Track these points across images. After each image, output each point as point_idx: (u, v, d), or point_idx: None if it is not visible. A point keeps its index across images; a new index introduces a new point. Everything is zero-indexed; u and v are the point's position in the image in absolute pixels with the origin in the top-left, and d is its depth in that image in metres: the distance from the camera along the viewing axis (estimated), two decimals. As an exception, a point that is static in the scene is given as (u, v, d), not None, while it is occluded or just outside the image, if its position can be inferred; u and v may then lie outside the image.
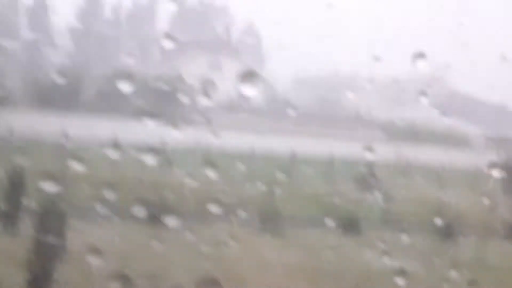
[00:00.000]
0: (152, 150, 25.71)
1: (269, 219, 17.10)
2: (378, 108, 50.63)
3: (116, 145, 26.43)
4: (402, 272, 14.17)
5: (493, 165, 14.94)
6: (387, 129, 40.73)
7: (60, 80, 33.10)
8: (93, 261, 12.77)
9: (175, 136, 28.03)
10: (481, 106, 54.17)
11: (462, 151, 36.68)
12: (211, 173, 20.28)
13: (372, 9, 68.75)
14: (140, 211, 16.74)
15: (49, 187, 14.69)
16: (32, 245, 11.52)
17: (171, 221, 16.65)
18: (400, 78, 53.06)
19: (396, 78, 53.93)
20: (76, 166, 19.86)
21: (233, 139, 29.90)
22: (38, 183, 15.55)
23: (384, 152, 30.42)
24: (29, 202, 14.37)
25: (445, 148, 34.72)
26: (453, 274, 13.43)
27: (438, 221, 17.28)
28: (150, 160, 23.84)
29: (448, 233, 18.57)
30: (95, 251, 13.13)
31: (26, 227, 13.15)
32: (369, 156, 16.54)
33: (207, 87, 37.83)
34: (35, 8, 62.39)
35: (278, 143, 30.30)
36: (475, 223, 19.54)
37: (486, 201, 18.69)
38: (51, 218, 12.28)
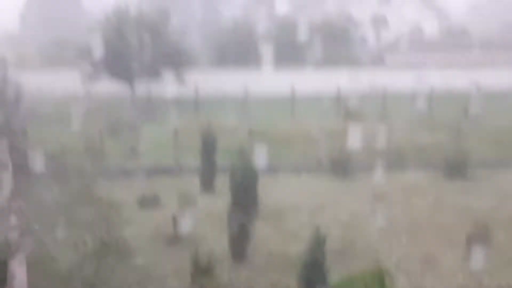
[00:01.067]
0: (329, 98, 25.76)
1: (456, 164, 16.46)
2: None
3: (292, 97, 26.99)
4: None
5: None
6: None
7: (232, 35, 34.28)
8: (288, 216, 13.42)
9: (351, 80, 27.70)
10: None
11: None
12: (386, 121, 20.06)
13: None
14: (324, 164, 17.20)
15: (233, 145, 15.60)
16: (230, 202, 12.30)
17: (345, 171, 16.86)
18: None
19: None
20: (257, 121, 20.77)
21: (409, 78, 28.96)
22: (226, 141, 16.60)
23: None
24: (221, 160, 15.13)
25: None
26: None
27: None
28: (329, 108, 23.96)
29: None
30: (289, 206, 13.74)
31: (221, 185, 13.94)
32: None
33: (378, 26, 36.58)
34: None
35: (459, 77, 28.73)
36: None
37: None
38: (243, 175, 12.88)
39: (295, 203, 14.13)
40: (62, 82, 26.79)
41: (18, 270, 9.21)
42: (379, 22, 45.08)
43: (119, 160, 17.21)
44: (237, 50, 31.80)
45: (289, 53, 29.69)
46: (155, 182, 15.20)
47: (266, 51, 28.91)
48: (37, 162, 16.04)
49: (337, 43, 34.63)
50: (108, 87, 26.95)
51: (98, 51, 27.94)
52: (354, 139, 17.07)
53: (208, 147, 15.31)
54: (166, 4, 32.59)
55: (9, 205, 12.04)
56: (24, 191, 13.61)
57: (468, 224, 12.34)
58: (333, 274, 9.51)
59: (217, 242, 11.40)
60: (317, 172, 16.69)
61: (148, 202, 13.92)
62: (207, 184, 15.11)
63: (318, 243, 9.76)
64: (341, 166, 16.75)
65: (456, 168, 16.44)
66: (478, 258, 10.74)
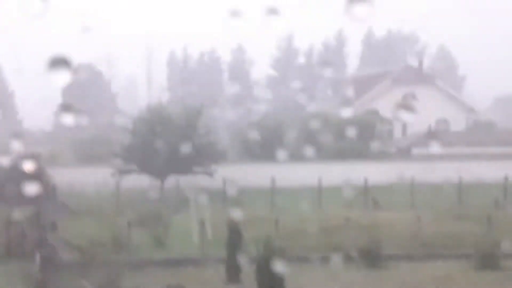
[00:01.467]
0: (356, 189, 25.63)
1: (487, 254, 15.92)
2: None
3: (319, 188, 26.97)
4: None
5: None
6: None
7: (262, 130, 34.85)
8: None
9: (377, 172, 27.71)
10: None
11: None
12: (415, 211, 19.78)
13: None
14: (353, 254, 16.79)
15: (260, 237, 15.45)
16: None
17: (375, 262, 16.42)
18: None
19: None
20: (283, 212, 20.65)
21: (435, 170, 28.75)
22: (252, 232, 16.42)
23: None
24: (248, 250, 14.88)
25: None
26: None
27: None
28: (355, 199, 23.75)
29: None
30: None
31: (247, 275, 13.67)
32: None
33: (404, 120, 36.61)
34: (235, 63, 66.67)
35: (485, 169, 28.42)
36: None
37: None
38: (269, 266, 12.66)
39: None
40: (93, 177, 27.20)
41: None
42: (404, 117, 45.41)
43: (146, 251, 17.12)
44: (264, 144, 32.18)
45: (316, 146, 29.86)
46: (181, 273, 14.98)
47: (291, 145, 29.39)
48: (66, 255, 16.08)
49: (364, 137, 34.87)
50: (137, 180, 27.30)
51: (129, 147, 28.66)
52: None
53: (235, 238, 15.13)
54: (196, 101, 33.55)
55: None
56: (52, 284, 13.54)
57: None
58: None
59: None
60: (346, 263, 16.25)
61: (174, 293, 13.66)
62: (233, 275, 14.80)
63: None
64: (371, 257, 16.34)
65: (487, 258, 15.89)
66: None
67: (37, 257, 14.80)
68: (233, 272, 14.84)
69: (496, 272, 15.41)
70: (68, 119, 3.25)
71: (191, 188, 26.24)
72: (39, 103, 50.28)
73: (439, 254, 16.74)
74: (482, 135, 40.16)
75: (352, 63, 70.78)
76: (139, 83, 68.55)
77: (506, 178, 25.66)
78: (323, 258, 16.76)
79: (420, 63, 56.11)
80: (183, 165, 27.84)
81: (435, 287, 14.44)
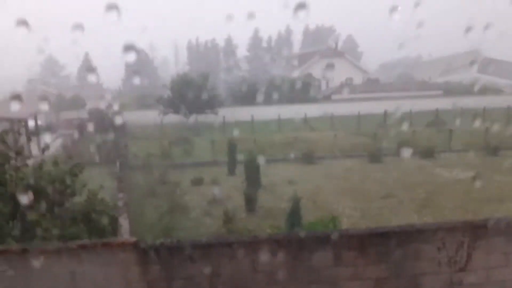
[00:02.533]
0: (300, 120, 25.36)
1: (375, 154, 16.27)
2: (437, 76, 45.37)
3: (279, 120, 26.96)
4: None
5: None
6: (445, 89, 36.33)
7: (243, 87, 34.26)
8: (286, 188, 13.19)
9: (312, 110, 27.48)
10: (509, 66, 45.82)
11: (497, 98, 31.58)
12: (333, 131, 19.91)
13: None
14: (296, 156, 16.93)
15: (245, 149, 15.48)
16: (245, 180, 12.14)
17: (310, 160, 16.58)
18: (451, 54, 47.13)
19: (448, 55, 47.93)
20: (258, 135, 20.58)
21: (345, 108, 28.78)
22: (241, 147, 16.42)
23: (444, 104, 27.36)
24: (240, 156, 14.90)
25: (485, 97, 30.24)
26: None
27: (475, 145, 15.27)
28: (300, 126, 23.36)
29: (493, 151, 16.48)
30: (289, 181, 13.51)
31: (239, 170, 13.81)
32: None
33: (327, 79, 36.14)
34: (226, 47, 64.90)
35: (373, 106, 28.52)
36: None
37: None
38: (251, 164, 12.74)
39: (281, 179, 13.91)
40: (147, 117, 26.75)
41: (124, 223, 9.05)
42: (327, 77, 45.03)
43: (180, 159, 17.12)
44: (244, 95, 31.68)
45: (276, 95, 29.54)
46: (201, 171, 15.07)
47: (261, 95, 29.05)
48: (133, 161, 15.99)
49: (303, 90, 34.50)
50: (173, 118, 26.94)
51: (168, 98, 28.02)
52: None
53: (231, 150, 15.18)
54: (205, 70, 32.66)
55: (118, 186, 11.96)
56: (126, 178, 13.55)
57: (382, 188, 12.15)
58: (305, 219, 9.30)
59: (238, 202, 11.24)
60: (294, 162, 16.51)
61: (197, 182, 13.78)
62: (231, 171, 14.95)
63: (296, 201, 9.61)
64: (308, 158, 16.59)
65: (375, 156, 16.24)
66: (388, 206, 10.56)
67: (118, 163, 14.73)
68: (231, 169, 15.00)
69: (379, 164, 15.80)
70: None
71: (205, 122, 26.09)
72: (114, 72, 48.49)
73: (348, 155, 17.02)
74: (372, 86, 40.04)
75: (296, 46, 69.06)
76: (170, 61, 66.37)
77: (385, 111, 25.80)
78: (281, 159, 17.05)
79: (336, 45, 54.89)
80: (200, 108, 27.50)
81: (344, 173, 14.72)
